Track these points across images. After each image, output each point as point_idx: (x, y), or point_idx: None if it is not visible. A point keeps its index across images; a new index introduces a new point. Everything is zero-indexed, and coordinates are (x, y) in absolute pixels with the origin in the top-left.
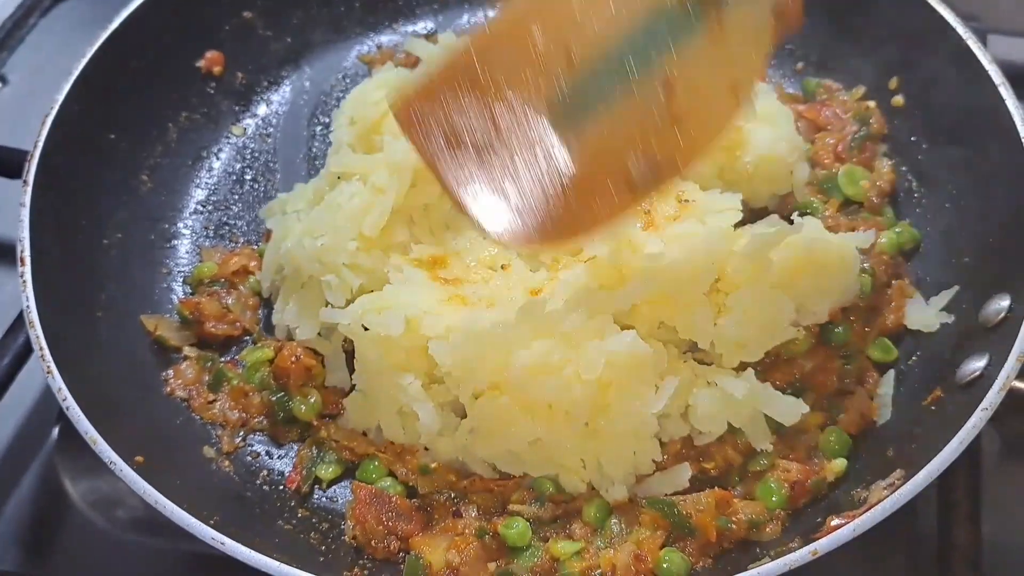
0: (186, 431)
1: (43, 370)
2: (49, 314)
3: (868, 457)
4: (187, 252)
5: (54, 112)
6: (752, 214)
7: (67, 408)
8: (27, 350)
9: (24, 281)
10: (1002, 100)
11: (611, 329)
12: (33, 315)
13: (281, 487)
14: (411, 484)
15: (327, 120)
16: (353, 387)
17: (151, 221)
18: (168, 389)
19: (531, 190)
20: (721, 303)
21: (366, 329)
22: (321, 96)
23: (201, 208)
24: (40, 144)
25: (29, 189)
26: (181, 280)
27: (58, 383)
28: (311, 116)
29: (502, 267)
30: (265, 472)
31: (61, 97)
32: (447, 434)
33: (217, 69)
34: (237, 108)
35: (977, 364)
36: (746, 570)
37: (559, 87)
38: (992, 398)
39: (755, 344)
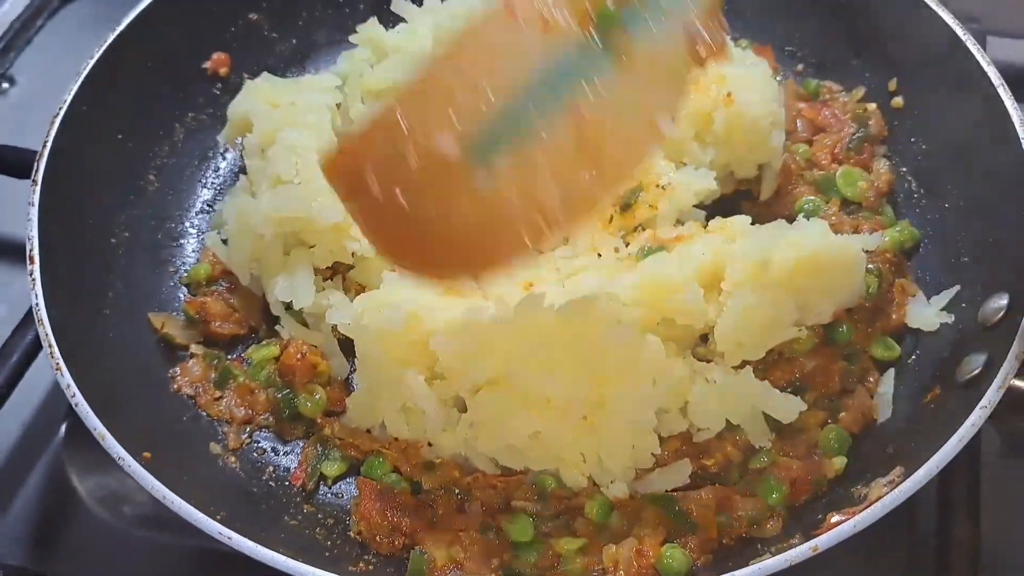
0: (193, 427)
1: (52, 367)
2: (58, 312)
3: (868, 454)
4: (193, 251)
5: (62, 112)
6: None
7: (76, 404)
8: (36, 347)
9: (33, 279)
10: (1001, 101)
11: (609, 322)
12: (42, 313)
13: (287, 483)
14: (416, 480)
15: None
16: (353, 371)
17: (158, 220)
18: (175, 386)
19: (445, 228)
20: (723, 302)
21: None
22: None
23: (207, 208)
24: (49, 144)
25: (38, 188)
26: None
27: (67, 380)
28: None
29: None
30: (271, 468)
31: (69, 97)
32: (450, 429)
33: (223, 70)
34: None
35: (976, 363)
36: (747, 566)
37: (472, 130)
38: (991, 396)
39: (756, 343)
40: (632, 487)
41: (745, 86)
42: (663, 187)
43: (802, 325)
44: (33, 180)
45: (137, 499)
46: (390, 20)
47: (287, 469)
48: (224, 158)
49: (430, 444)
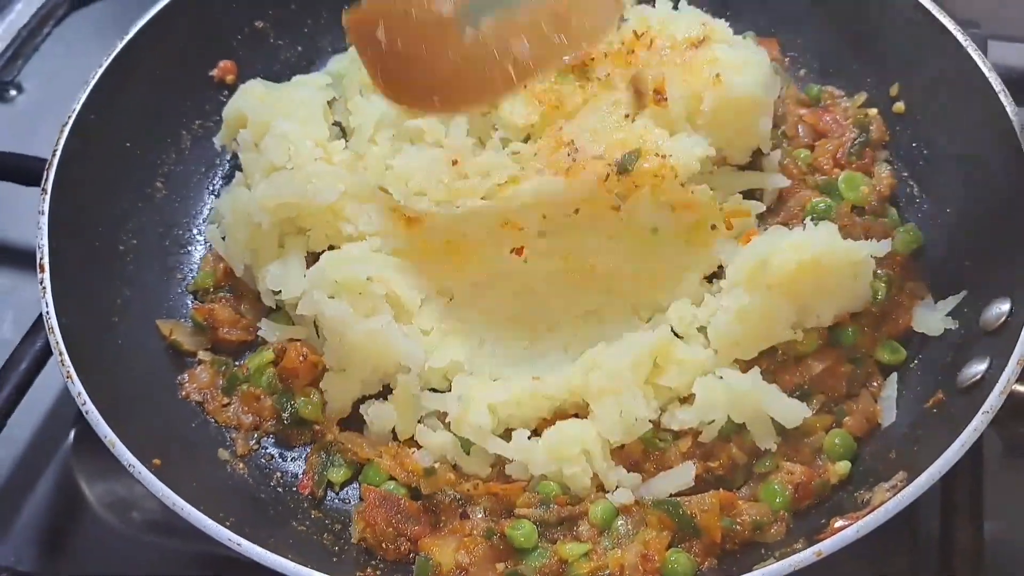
0: (201, 434)
1: (63, 375)
2: (67, 320)
3: (871, 459)
4: (201, 258)
5: (71, 121)
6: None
7: (86, 412)
8: (45, 355)
9: (43, 287)
10: (1002, 106)
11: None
12: (52, 320)
13: (294, 489)
14: (414, 486)
15: None
16: None
17: (166, 227)
18: (183, 392)
19: (437, 68)
20: (719, 301)
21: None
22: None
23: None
24: (58, 152)
25: (47, 197)
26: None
27: (77, 387)
28: None
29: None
30: (279, 474)
31: (78, 106)
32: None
33: (230, 78)
34: None
35: (978, 368)
36: (751, 571)
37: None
38: (993, 401)
39: (749, 342)
40: (636, 492)
41: (735, 68)
42: (663, 156)
43: (800, 327)
44: (43, 188)
45: (145, 505)
46: None
47: (294, 475)
48: (231, 165)
49: (419, 447)
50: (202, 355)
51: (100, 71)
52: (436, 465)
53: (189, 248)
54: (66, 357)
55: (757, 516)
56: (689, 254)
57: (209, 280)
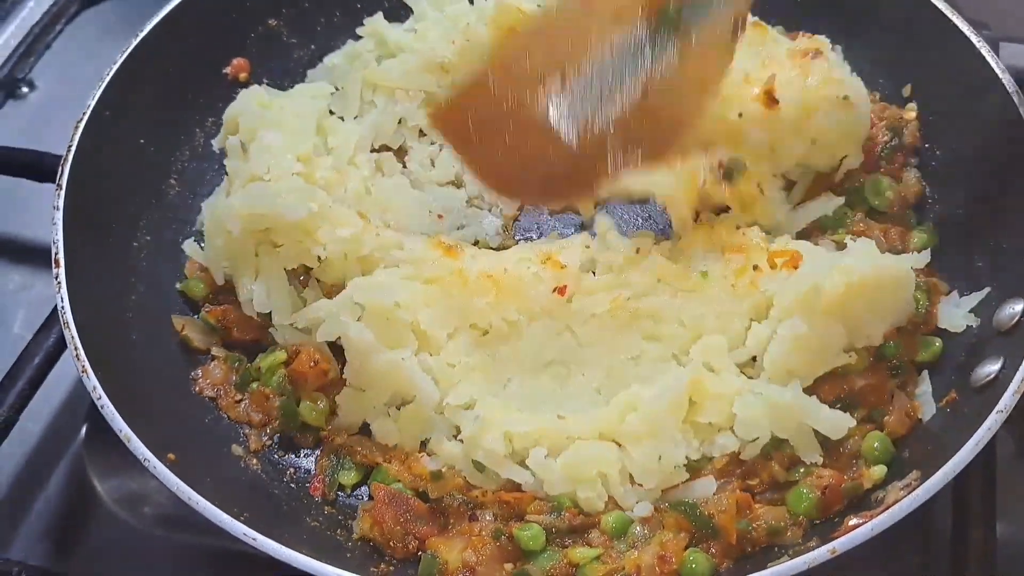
0: (215, 429)
1: (78, 369)
2: (82, 315)
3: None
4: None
5: (86, 118)
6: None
7: (102, 406)
8: (58, 349)
9: (59, 283)
10: (1015, 106)
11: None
12: (68, 316)
13: (307, 484)
14: (421, 490)
15: None
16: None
17: (179, 224)
18: (196, 388)
19: (530, 166)
20: (772, 329)
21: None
22: None
23: None
24: (73, 148)
25: (62, 193)
26: None
27: (92, 382)
28: None
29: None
30: (292, 470)
31: (92, 103)
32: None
33: (243, 75)
34: None
35: (992, 368)
36: (765, 568)
37: (553, 98)
38: (1007, 401)
39: (806, 370)
40: (656, 502)
41: (854, 88)
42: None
43: (852, 349)
44: (58, 184)
45: (157, 499)
46: (403, 21)
47: (307, 471)
48: None
49: (430, 454)
50: (216, 351)
51: (114, 68)
52: (444, 470)
53: (203, 244)
54: (82, 352)
55: (773, 521)
56: (736, 299)
57: (198, 289)
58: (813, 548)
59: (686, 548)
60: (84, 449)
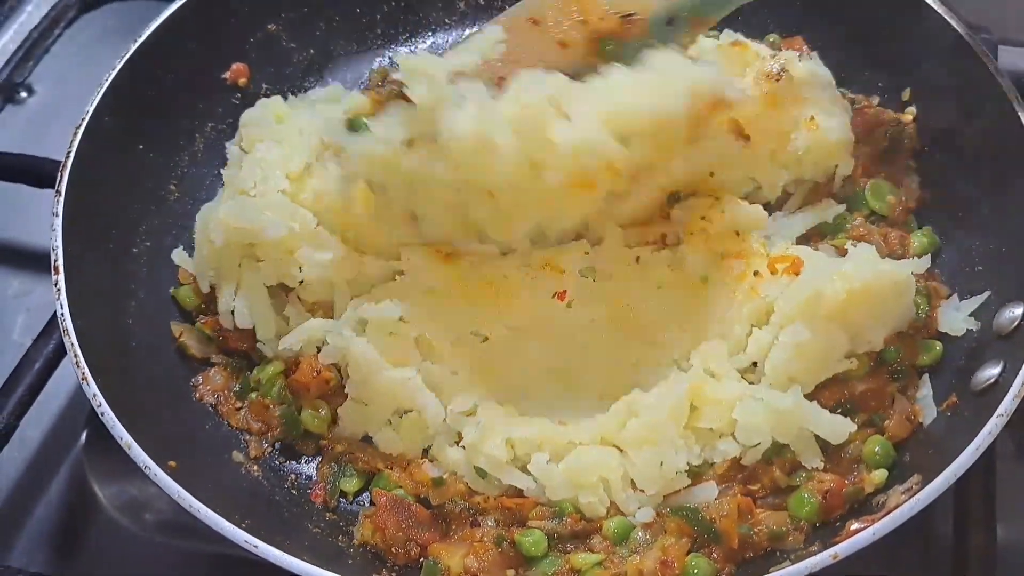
0: (215, 436)
1: (78, 376)
2: (82, 321)
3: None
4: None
5: (85, 123)
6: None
7: (102, 413)
8: (57, 356)
9: (58, 289)
10: (1013, 111)
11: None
12: (67, 323)
13: (309, 491)
14: (423, 496)
15: None
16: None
17: (179, 229)
18: (197, 395)
19: None
20: (774, 335)
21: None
22: None
23: None
24: (72, 154)
25: (62, 199)
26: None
27: (93, 389)
28: None
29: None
30: (293, 476)
31: (91, 108)
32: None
33: (242, 80)
34: None
35: (992, 371)
36: (768, 573)
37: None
38: (1007, 405)
39: (807, 376)
40: (657, 508)
41: (825, 110)
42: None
43: (853, 355)
44: (57, 190)
45: (157, 506)
46: (404, 31)
47: (308, 477)
48: None
49: (431, 460)
50: (216, 358)
51: (113, 73)
52: (445, 476)
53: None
54: (82, 359)
55: (775, 526)
56: (737, 305)
57: (189, 299)
58: (815, 553)
59: (688, 553)
60: (84, 455)
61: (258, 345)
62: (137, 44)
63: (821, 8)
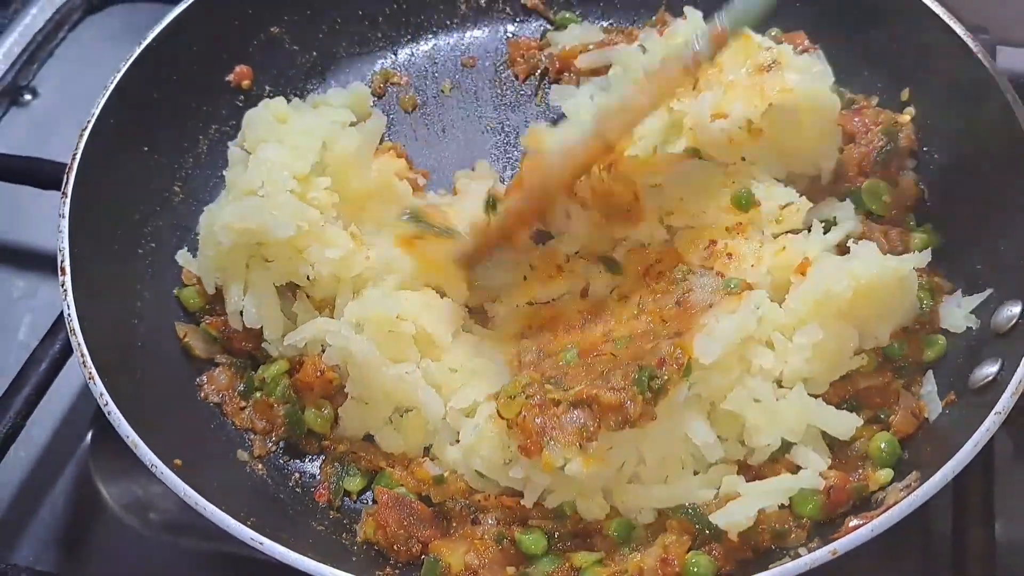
0: (220, 435)
1: (84, 375)
2: (88, 322)
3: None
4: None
5: (91, 125)
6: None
7: (108, 412)
8: (63, 356)
9: (65, 290)
10: (1011, 111)
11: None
12: (74, 323)
13: (313, 489)
14: (424, 494)
15: None
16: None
17: (184, 231)
18: (202, 394)
19: None
20: (788, 339)
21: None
22: None
23: None
24: (78, 156)
25: (68, 201)
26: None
27: (99, 388)
28: None
29: None
30: (297, 475)
31: (97, 111)
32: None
33: (246, 83)
34: None
35: (990, 369)
36: (767, 569)
37: None
38: (1005, 402)
39: (822, 377)
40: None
41: (809, 95)
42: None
43: (861, 351)
44: (63, 192)
45: (163, 504)
46: (406, 33)
47: (312, 475)
48: None
49: (432, 459)
50: (220, 358)
51: (118, 76)
52: (446, 474)
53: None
54: (88, 359)
55: (776, 524)
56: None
57: (193, 300)
58: (814, 549)
59: (688, 551)
60: (90, 455)
61: (263, 344)
62: (142, 46)
63: (821, 8)
